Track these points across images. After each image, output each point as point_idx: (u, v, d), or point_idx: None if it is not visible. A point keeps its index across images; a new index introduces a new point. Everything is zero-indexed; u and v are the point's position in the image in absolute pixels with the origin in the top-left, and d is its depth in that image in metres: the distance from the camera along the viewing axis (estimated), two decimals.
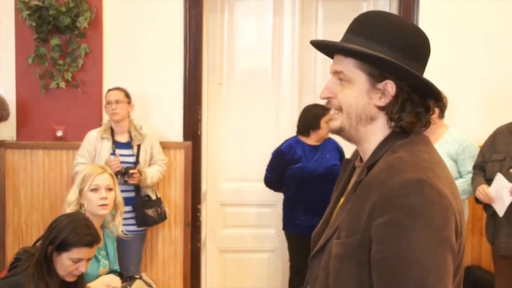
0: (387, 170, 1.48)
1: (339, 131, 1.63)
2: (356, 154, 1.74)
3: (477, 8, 4.78)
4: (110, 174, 3.36)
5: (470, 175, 4.14)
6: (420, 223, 1.39)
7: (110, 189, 3.29)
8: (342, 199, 1.65)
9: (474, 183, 4.04)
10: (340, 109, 1.60)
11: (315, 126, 4.58)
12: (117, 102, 4.41)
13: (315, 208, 4.40)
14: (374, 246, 1.43)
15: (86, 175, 3.28)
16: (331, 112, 1.64)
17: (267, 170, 4.71)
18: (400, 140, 1.56)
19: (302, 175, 4.54)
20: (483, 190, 3.90)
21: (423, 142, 1.58)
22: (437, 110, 4.24)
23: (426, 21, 4.76)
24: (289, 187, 4.61)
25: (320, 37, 5.17)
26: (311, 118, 4.60)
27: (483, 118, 4.74)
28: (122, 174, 4.28)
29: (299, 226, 4.54)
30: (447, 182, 1.50)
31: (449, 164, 4.18)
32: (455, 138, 4.25)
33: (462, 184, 4.16)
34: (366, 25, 1.58)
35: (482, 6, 4.77)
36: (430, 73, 4.65)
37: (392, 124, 1.56)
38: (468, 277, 4.68)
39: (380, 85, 1.55)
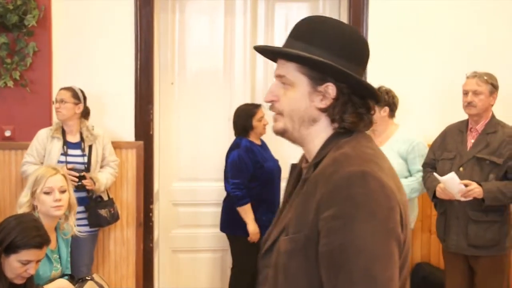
0: (332, 165, 1.51)
1: (282, 133, 1.66)
2: (302, 159, 1.76)
3: (426, 6, 4.86)
4: (63, 175, 3.33)
5: (420, 174, 4.21)
6: (365, 214, 1.42)
7: (63, 191, 3.26)
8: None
9: (429, 181, 4.07)
10: (283, 112, 1.64)
11: (249, 126, 4.65)
12: (62, 101, 4.35)
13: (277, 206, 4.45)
14: (322, 240, 1.46)
15: (38, 177, 3.24)
16: (274, 114, 1.68)
17: (236, 188, 4.59)
18: (344, 139, 1.60)
19: (267, 175, 4.61)
20: (443, 191, 3.92)
21: (366, 140, 1.63)
22: (386, 109, 4.30)
23: (375, 20, 4.83)
24: (252, 188, 4.63)
25: (272, 36, 5.20)
26: (244, 118, 4.67)
27: (433, 117, 4.83)
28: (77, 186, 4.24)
29: (262, 226, 4.55)
30: (391, 175, 1.56)
31: (399, 162, 4.25)
32: (405, 137, 4.31)
33: (412, 182, 4.23)
34: (306, 30, 1.63)
35: (431, 5, 4.86)
36: (380, 72, 4.74)
37: (335, 125, 1.61)
38: (418, 273, 4.79)
39: (321, 88, 1.59)
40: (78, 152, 4.40)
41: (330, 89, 1.59)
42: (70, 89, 4.40)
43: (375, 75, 4.73)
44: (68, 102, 4.36)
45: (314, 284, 1.49)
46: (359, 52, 1.65)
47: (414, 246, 4.91)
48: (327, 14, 5.12)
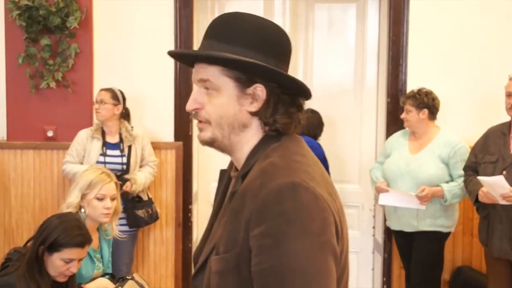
0: (260, 177, 1.41)
1: (210, 143, 1.55)
2: (231, 165, 1.66)
3: (468, 8, 4.78)
4: (116, 183, 3.36)
5: (462, 179, 4.12)
6: (297, 229, 1.33)
7: (114, 199, 3.29)
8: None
9: (471, 184, 3.97)
10: (209, 120, 1.51)
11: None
12: (101, 102, 4.39)
13: None
14: (254, 259, 1.36)
15: (93, 182, 3.25)
16: (198, 123, 1.55)
17: None
18: (272, 144, 1.50)
19: None
20: (485, 194, 3.83)
21: (296, 144, 1.53)
22: (426, 111, 4.25)
23: (416, 21, 4.77)
24: None
25: (312, 37, 5.18)
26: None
27: (474, 119, 4.75)
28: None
29: None
30: (324, 183, 1.46)
31: (440, 167, 4.18)
32: (447, 141, 4.24)
33: (453, 188, 4.15)
34: (225, 29, 1.51)
35: (474, 6, 4.78)
36: (420, 73, 4.69)
37: (267, 128, 1.51)
38: (459, 277, 4.73)
39: (250, 90, 1.48)
40: (117, 152, 4.44)
41: (260, 90, 1.48)
42: (109, 90, 4.44)
43: (415, 76, 4.71)
44: (108, 103, 4.39)
45: None
46: (283, 48, 1.53)
47: (455, 250, 4.84)
48: (368, 14, 5.09)
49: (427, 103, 4.24)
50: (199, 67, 1.51)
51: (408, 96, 4.30)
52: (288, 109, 1.50)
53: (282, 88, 1.49)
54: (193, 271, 1.61)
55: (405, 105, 4.30)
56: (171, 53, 1.59)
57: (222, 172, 1.70)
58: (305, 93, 1.53)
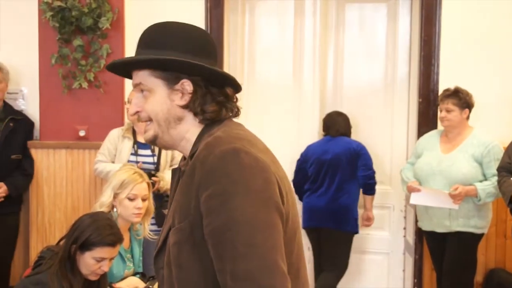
0: (205, 149, 1.54)
1: (154, 140, 1.69)
2: (181, 161, 1.79)
3: (501, 7, 4.72)
4: (148, 183, 3.38)
5: (496, 178, 4.07)
6: (241, 188, 1.46)
7: (145, 199, 3.31)
8: None
9: (505, 185, 3.93)
10: (150, 118, 1.67)
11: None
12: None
13: None
14: (204, 221, 1.48)
15: (125, 181, 3.27)
16: (145, 126, 1.70)
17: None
18: (215, 127, 1.64)
19: None
20: None
21: (237, 125, 1.68)
22: (467, 111, 4.22)
23: (448, 21, 4.72)
24: None
25: (343, 38, 5.15)
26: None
27: (508, 119, 4.69)
28: None
29: None
30: (266, 151, 1.60)
31: (474, 166, 4.14)
32: (480, 140, 4.19)
33: (487, 187, 4.10)
34: (150, 37, 1.67)
35: (507, 5, 4.72)
36: (453, 73, 4.63)
37: (200, 118, 1.64)
38: (492, 279, 4.67)
39: (178, 86, 1.63)
40: (148, 152, 4.46)
41: (186, 84, 1.62)
42: None
43: (448, 76, 4.66)
44: None
45: (208, 268, 1.50)
46: (207, 47, 1.68)
47: (488, 251, 4.78)
48: (400, 14, 5.05)
49: (469, 102, 4.21)
50: (134, 74, 1.68)
51: (449, 95, 4.23)
52: (215, 99, 1.64)
53: (208, 81, 1.64)
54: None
55: (444, 104, 4.23)
56: (107, 67, 1.76)
57: (174, 170, 1.79)
58: (232, 83, 1.68)
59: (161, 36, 1.65)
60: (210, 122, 1.65)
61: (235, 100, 1.70)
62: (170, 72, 1.63)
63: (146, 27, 1.72)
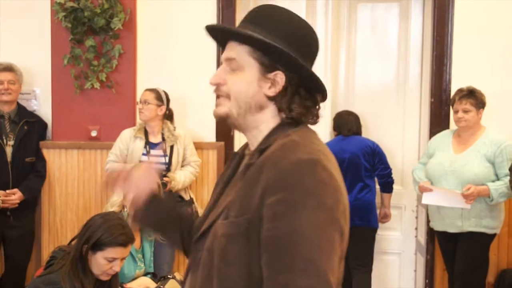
0: (280, 150, 1.49)
1: (225, 118, 1.63)
2: (244, 147, 1.74)
3: None
4: (158, 184, 3.38)
5: (508, 178, 4.05)
6: (312, 202, 1.41)
7: None
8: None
9: None
10: (228, 96, 1.60)
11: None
12: (145, 102, 4.42)
13: None
14: (265, 225, 1.43)
15: None
16: (217, 99, 1.64)
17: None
18: (291, 128, 1.58)
19: None
20: None
21: (313, 133, 1.61)
22: (482, 111, 4.19)
23: (461, 20, 4.70)
24: None
25: (355, 38, 5.14)
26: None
27: None
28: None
29: None
30: (336, 167, 1.54)
31: (486, 166, 4.12)
32: (493, 140, 4.17)
33: (500, 186, 4.07)
34: (263, 17, 1.59)
35: None
36: (465, 72, 4.62)
37: (282, 114, 1.59)
38: (504, 280, 4.64)
39: (271, 75, 1.57)
40: (160, 152, 4.46)
41: (279, 77, 1.56)
42: (154, 90, 4.47)
43: (460, 76, 4.64)
44: (151, 103, 4.43)
45: (253, 268, 1.46)
46: (311, 47, 1.63)
47: (500, 252, 4.75)
48: (412, 14, 5.04)
49: (484, 102, 4.20)
50: (230, 45, 1.61)
51: (465, 95, 4.19)
52: (304, 101, 1.59)
53: (301, 81, 1.58)
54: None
55: (462, 105, 4.18)
56: (207, 28, 1.65)
57: (234, 154, 1.75)
58: (322, 91, 1.63)
59: (273, 20, 1.58)
60: (289, 121, 1.59)
61: (318, 108, 1.64)
62: (270, 58, 1.56)
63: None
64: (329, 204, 1.43)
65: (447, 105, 4.63)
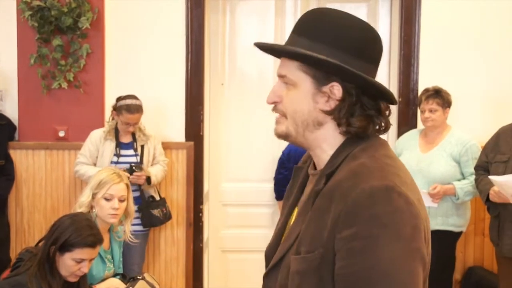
0: (351, 178, 1.38)
1: (285, 137, 1.53)
2: (306, 160, 1.65)
3: (480, 7, 4.76)
4: (126, 184, 3.36)
5: (474, 177, 4.11)
6: (389, 234, 1.30)
7: (123, 200, 3.29)
8: (296, 210, 1.57)
9: (482, 184, 3.97)
10: (285, 114, 1.51)
11: None
12: (135, 124, 4.43)
13: None
14: (339, 261, 1.34)
15: (102, 181, 3.27)
16: (277, 116, 1.55)
17: None
18: (358, 145, 1.46)
19: None
20: (496, 194, 3.82)
21: (383, 147, 1.49)
22: (448, 110, 4.24)
23: (428, 20, 4.76)
24: None
25: None
26: None
27: (486, 118, 4.74)
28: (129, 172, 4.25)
29: None
30: (413, 187, 1.43)
31: (452, 165, 4.18)
32: (458, 139, 4.23)
33: (466, 185, 4.14)
34: (308, 25, 1.48)
35: (486, 6, 4.76)
36: (432, 72, 4.66)
37: (342, 129, 1.47)
38: (470, 278, 4.71)
39: (326, 88, 1.45)
40: (131, 152, 4.46)
41: (336, 89, 1.44)
42: (140, 108, 4.43)
43: (427, 74, 4.70)
44: (138, 122, 4.48)
45: None
46: (370, 48, 1.49)
47: (467, 250, 4.83)
48: (380, 14, 5.08)
49: (450, 101, 4.24)
50: (282, 60, 1.51)
51: (432, 95, 4.23)
52: (366, 111, 1.45)
53: (361, 89, 1.45)
54: (264, 268, 1.58)
55: (429, 105, 4.22)
56: (256, 45, 1.54)
57: (297, 169, 1.66)
58: (388, 98, 1.49)
59: (319, 26, 1.45)
60: (353, 136, 1.47)
61: (388, 113, 1.50)
62: (322, 71, 1.44)
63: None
64: (408, 234, 1.32)
65: (414, 104, 4.68)
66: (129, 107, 4.37)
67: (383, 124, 1.49)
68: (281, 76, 1.50)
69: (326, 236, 1.36)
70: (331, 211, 1.37)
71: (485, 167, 4.03)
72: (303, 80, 1.46)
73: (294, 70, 1.47)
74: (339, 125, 1.46)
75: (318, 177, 1.48)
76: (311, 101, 1.46)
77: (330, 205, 1.37)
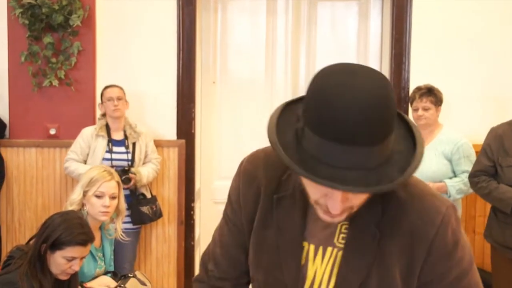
0: (420, 219, 1.36)
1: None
2: (286, 188, 1.49)
3: (473, 6, 4.77)
4: (117, 182, 3.36)
5: (466, 174, 4.03)
6: (472, 260, 1.41)
7: (114, 197, 3.29)
8: (309, 247, 1.44)
9: (500, 192, 3.70)
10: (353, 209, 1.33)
11: None
12: (119, 98, 4.42)
13: None
14: None
15: (93, 179, 3.26)
16: None
17: None
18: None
19: None
20: None
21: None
22: (440, 109, 4.24)
23: (420, 20, 4.77)
24: None
25: (314, 36, 5.17)
26: None
27: (477, 116, 4.75)
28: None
29: None
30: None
31: (444, 163, 4.18)
32: (450, 137, 4.22)
33: (457, 183, 4.13)
34: (386, 130, 1.23)
35: (478, 5, 4.77)
36: (423, 71, 4.66)
37: None
38: None
39: None
40: (122, 149, 4.45)
41: None
42: (119, 86, 4.48)
43: (418, 73, 4.70)
44: (123, 99, 4.46)
45: None
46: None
47: None
48: (371, 13, 5.08)
49: (442, 100, 4.24)
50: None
51: (424, 93, 4.21)
52: None
53: None
54: None
55: (422, 103, 4.20)
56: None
57: (279, 198, 1.51)
58: None
59: (390, 124, 1.24)
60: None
61: None
62: None
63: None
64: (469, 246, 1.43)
65: (406, 102, 4.69)
66: (107, 86, 4.51)
67: None
68: (350, 208, 1.31)
69: (401, 282, 1.37)
70: (404, 252, 1.36)
71: (489, 172, 3.82)
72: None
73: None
74: None
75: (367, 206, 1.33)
76: None
77: (405, 248, 1.36)
